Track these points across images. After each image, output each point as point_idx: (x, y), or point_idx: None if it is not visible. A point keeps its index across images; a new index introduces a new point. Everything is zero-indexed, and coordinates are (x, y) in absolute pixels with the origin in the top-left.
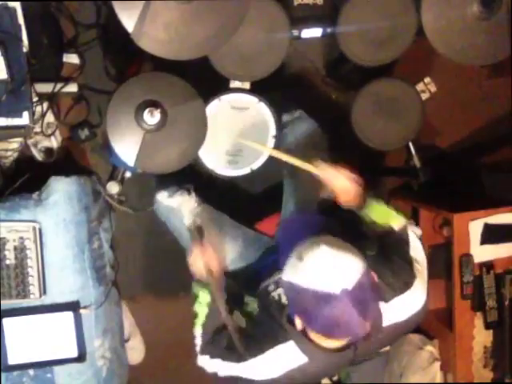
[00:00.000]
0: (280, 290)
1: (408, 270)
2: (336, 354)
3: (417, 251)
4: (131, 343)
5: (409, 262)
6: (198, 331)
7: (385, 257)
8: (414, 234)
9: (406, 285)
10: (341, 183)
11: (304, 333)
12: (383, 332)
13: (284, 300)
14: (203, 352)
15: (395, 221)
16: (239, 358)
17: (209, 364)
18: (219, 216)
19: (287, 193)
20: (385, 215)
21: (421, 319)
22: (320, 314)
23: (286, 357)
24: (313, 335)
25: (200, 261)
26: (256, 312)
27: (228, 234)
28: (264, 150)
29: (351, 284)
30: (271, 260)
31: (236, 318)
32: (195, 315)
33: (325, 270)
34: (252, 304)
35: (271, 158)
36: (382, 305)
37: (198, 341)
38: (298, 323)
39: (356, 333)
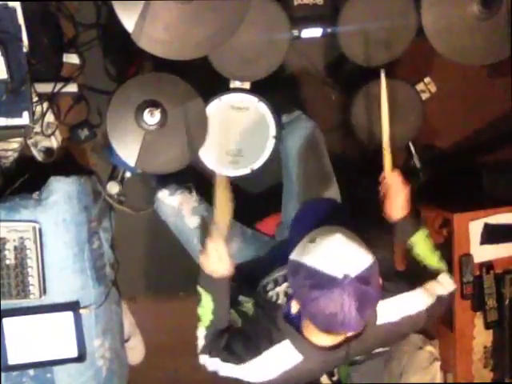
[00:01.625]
0: (278, 289)
1: (417, 280)
2: (329, 352)
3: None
4: (131, 343)
5: (433, 276)
6: (201, 333)
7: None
8: (444, 282)
9: (407, 287)
10: (400, 194)
11: (299, 331)
12: (377, 330)
13: (280, 300)
14: (203, 351)
15: (434, 263)
16: (238, 361)
17: (209, 363)
18: None
19: (287, 193)
20: (428, 253)
21: (417, 326)
22: (318, 297)
23: (282, 356)
24: (307, 332)
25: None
26: (251, 312)
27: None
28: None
29: (355, 273)
30: (271, 258)
31: (232, 317)
32: (199, 318)
33: (332, 253)
34: (247, 304)
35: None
36: (382, 301)
37: (201, 342)
38: (294, 307)
39: (349, 327)
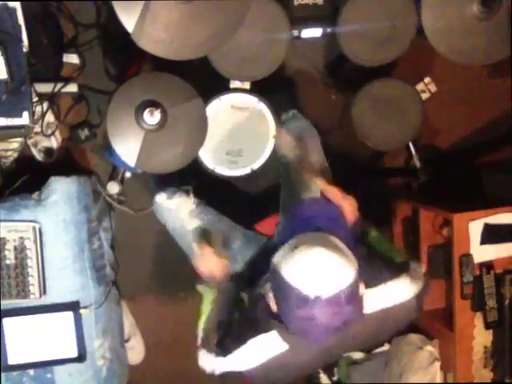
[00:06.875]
0: (267, 286)
1: (402, 267)
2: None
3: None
4: (131, 343)
5: (406, 267)
6: (200, 325)
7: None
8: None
9: (395, 274)
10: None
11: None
12: (364, 322)
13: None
14: (202, 345)
15: (398, 258)
16: (225, 352)
17: (205, 360)
18: (218, 217)
19: (285, 193)
20: (389, 251)
21: (409, 316)
22: (288, 310)
23: (267, 345)
24: None
25: (209, 261)
26: (246, 304)
27: (227, 234)
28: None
29: (327, 295)
30: (268, 258)
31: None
32: (199, 314)
33: (308, 270)
34: (245, 298)
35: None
36: (368, 290)
37: (200, 334)
38: (273, 305)
39: (317, 342)
